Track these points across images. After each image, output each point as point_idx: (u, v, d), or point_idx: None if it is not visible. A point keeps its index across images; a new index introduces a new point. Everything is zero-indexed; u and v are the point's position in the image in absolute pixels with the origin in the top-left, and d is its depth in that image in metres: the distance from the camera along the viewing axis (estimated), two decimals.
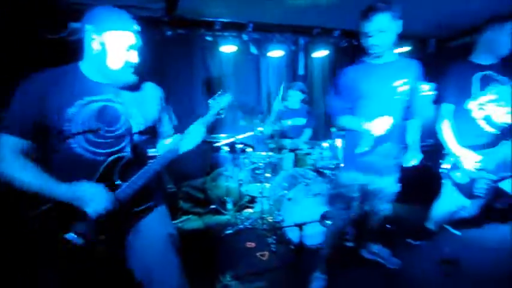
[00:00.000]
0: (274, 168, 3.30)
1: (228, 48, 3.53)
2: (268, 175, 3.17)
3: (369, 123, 1.58)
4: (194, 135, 1.29)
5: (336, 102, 1.83)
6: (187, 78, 3.63)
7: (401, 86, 1.64)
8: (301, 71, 4.10)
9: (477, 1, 2.78)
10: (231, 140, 3.02)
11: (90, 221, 1.08)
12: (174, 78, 3.48)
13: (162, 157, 1.23)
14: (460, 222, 2.42)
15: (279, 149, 3.35)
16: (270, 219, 2.74)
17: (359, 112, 1.72)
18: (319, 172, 2.87)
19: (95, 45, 1.10)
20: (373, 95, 1.66)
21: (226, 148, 3.06)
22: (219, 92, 1.41)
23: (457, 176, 1.93)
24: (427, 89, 2.21)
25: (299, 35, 3.79)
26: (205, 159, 3.70)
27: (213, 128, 3.30)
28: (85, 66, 1.16)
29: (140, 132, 1.23)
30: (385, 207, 1.96)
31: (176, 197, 3.37)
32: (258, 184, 2.79)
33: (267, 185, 3.04)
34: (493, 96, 1.80)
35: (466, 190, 1.90)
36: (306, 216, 2.22)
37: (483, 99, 1.82)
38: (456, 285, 1.88)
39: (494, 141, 1.80)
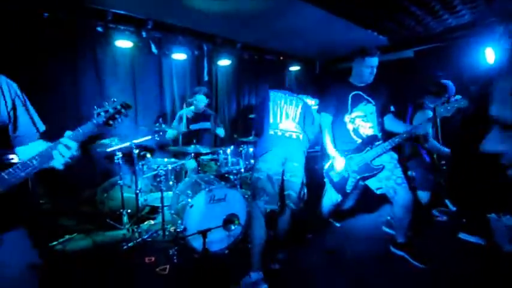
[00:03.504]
0: (177, 175, 3.14)
1: (124, 43, 3.18)
2: (171, 183, 3.00)
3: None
4: (67, 146, 1.06)
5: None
6: (68, 72, 3.07)
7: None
8: (206, 77, 4.10)
9: (351, 35, 3.49)
10: (127, 144, 2.68)
11: None
12: (50, 71, 2.88)
13: (27, 164, 0.99)
14: (339, 215, 2.90)
15: (183, 155, 3.23)
16: (172, 229, 2.59)
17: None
18: (223, 177, 2.91)
19: None
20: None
21: (121, 154, 2.70)
22: (113, 100, 1.19)
23: (332, 174, 2.31)
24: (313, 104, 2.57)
25: (203, 41, 3.77)
26: (93, 167, 3.20)
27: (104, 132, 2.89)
28: None
29: None
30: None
31: (53, 213, 2.78)
32: (159, 193, 2.59)
33: (170, 193, 2.86)
34: (360, 113, 2.25)
35: (339, 187, 2.30)
36: (209, 223, 2.20)
37: (354, 114, 2.25)
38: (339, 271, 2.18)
39: (359, 148, 2.24)
